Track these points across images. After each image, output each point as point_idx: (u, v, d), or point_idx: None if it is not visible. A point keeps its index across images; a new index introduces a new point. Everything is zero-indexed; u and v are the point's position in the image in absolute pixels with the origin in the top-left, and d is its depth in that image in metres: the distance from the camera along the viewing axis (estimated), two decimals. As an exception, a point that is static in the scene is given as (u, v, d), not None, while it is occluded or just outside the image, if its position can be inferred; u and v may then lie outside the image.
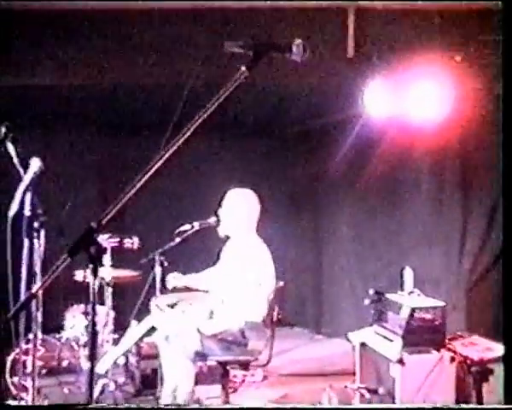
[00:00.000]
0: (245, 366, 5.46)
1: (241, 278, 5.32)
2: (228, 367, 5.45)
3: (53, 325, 5.98)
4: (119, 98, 7.33)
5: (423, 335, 5.05)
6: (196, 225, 5.74)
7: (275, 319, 5.40)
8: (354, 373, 5.71)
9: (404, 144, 7.49)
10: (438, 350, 5.01)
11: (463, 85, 6.62)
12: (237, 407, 5.65)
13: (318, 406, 5.13)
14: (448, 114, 6.61)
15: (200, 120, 2.34)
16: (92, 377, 2.42)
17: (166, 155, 2.34)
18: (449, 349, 5.10)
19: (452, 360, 4.98)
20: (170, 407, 5.33)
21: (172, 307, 5.61)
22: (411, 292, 5.47)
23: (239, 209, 5.57)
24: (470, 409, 4.54)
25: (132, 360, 6.26)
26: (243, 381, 6.57)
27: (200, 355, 5.28)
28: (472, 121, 7.02)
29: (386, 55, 6.57)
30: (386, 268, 7.56)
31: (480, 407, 4.70)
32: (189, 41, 6.43)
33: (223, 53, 2.50)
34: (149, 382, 6.25)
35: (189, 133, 2.34)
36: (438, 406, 4.75)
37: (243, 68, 2.35)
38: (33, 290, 2.75)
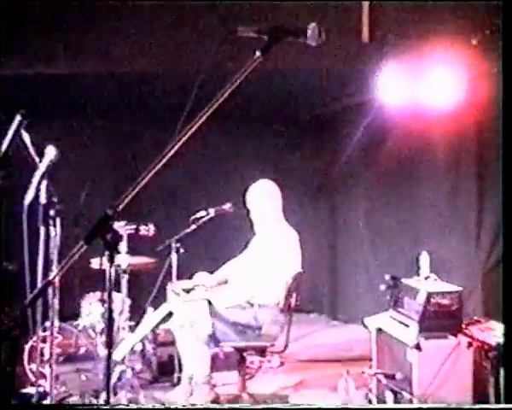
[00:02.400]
0: (261, 352, 5.48)
1: (263, 262, 5.35)
2: (244, 354, 5.46)
3: (70, 312, 5.99)
4: (134, 87, 7.33)
5: (440, 320, 5.02)
6: (212, 211, 5.76)
7: (292, 305, 5.40)
8: (371, 359, 5.70)
9: (419, 130, 7.45)
10: (455, 336, 4.99)
11: (480, 69, 6.57)
12: (238, 406, 5.66)
13: (319, 406, 5.12)
14: (464, 99, 6.57)
15: (214, 106, 2.34)
16: (109, 364, 2.43)
17: (181, 141, 2.34)
18: (466, 335, 5.08)
19: (469, 345, 4.96)
20: (170, 406, 5.37)
21: (188, 292, 5.63)
22: (428, 277, 5.45)
23: (265, 200, 5.64)
24: (470, 409, 4.53)
25: (149, 346, 6.28)
26: (260, 367, 6.58)
27: (214, 340, 5.31)
28: (488, 106, 6.97)
29: (401, 40, 6.54)
30: (402, 254, 7.54)
31: (480, 406, 4.68)
32: (204, 27, 6.42)
33: (237, 38, 2.49)
34: (166, 368, 6.28)
35: (203, 119, 2.34)
36: (438, 406, 4.75)
37: (258, 53, 2.34)
38: (50, 278, 2.75)
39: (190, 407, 5.35)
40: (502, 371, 4.82)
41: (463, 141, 7.42)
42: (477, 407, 4.55)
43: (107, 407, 4.68)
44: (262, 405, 5.35)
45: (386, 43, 6.51)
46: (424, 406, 4.75)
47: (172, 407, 5.40)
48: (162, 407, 5.24)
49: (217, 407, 5.48)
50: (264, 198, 5.66)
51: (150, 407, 5.25)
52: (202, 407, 5.32)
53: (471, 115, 7.10)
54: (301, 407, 4.95)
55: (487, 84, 6.78)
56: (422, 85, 6.51)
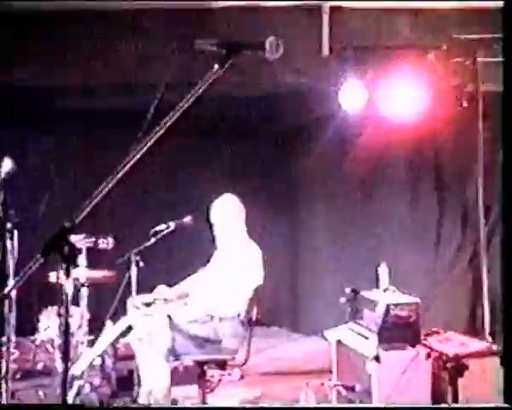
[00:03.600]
0: (222, 365, 5.45)
1: (223, 275, 5.34)
2: (205, 367, 5.44)
3: (27, 327, 5.92)
4: (95, 97, 7.29)
5: (399, 331, 5.07)
6: (172, 224, 5.73)
7: (253, 318, 5.40)
8: (331, 371, 5.72)
9: (379, 142, 7.53)
10: (413, 346, 5.03)
11: (437, 83, 6.66)
12: (238, 406, 5.66)
13: (319, 405, 5.13)
14: (423, 112, 6.65)
15: (172, 119, 2.34)
16: (66, 378, 2.40)
17: (139, 154, 2.33)
18: (424, 345, 5.13)
19: (428, 356, 5.01)
20: (171, 406, 5.33)
21: (148, 305, 5.59)
22: (387, 289, 5.50)
23: (228, 216, 5.64)
24: (471, 409, 4.57)
25: (108, 361, 6.22)
26: (220, 380, 6.55)
27: (174, 353, 5.28)
28: (446, 119, 7.07)
29: (361, 53, 6.60)
30: (362, 266, 7.58)
31: (480, 406, 4.73)
32: (163, 40, 6.42)
33: (196, 52, 2.49)
34: (125, 383, 6.22)
35: (162, 131, 2.34)
36: (438, 406, 4.79)
37: (216, 67, 2.34)
38: (5, 291, 2.72)
39: (190, 407, 5.33)
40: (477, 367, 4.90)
41: (422, 153, 7.53)
42: (477, 406, 4.59)
43: (108, 408, 4.63)
44: (262, 405, 5.34)
45: (346, 56, 6.57)
46: (422, 406, 4.79)
47: (172, 407, 5.38)
48: (162, 407, 5.21)
49: (217, 407, 5.46)
50: (228, 213, 5.66)
51: (151, 407, 5.23)
52: (202, 406, 5.30)
53: (429, 128, 7.21)
54: (301, 406, 4.96)
55: (445, 97, 6.88)
56: (383, 98, 6.59)
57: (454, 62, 6.64)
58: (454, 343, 5.31)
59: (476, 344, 5.33)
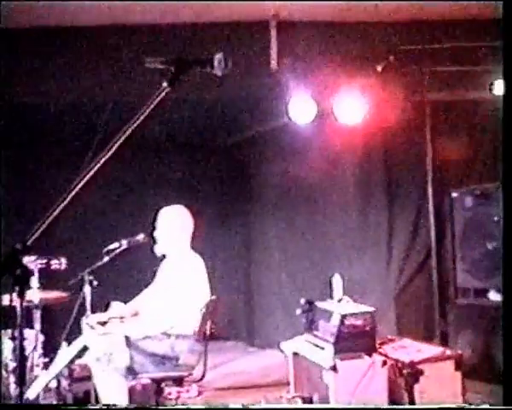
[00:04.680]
0: (179, 381, 5.43)
1: (174, 292, 5.31)
2: (162, 384, 5.41)
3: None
4: (41, 115, 7.22)
5: (354, 341, 5.10)
6: (124, 242, 5.69)
7: (208, 333, 5.38)
8: (289, 383, 5.73)
9: (329, 153, 7.60)
10: (369, 355, 5.07)
11: (385, 94, 6.76)
12: (238, 406, 5.61)
13: (319, 405, 5.12)
14: (372, 123, 6.74)
15: (123, 136, 2.34)
16: (21, 402, 2.37)
17: (91, 173, 2.33)
18: (380, 353, 5.17)
19: (384, 363, 5.05)
20: (172, 406, 5.28)
21: (103, 324, 5.54)
22: (341, 299, 5.53)
23: (173, 227, 5.60)
24: (471, 409, 4.60)
25: (64, 383, 6.14)
26: (178, 397, 6.52)
27: (132, 372, 5.24)
28: (395, 129, 7.17)
29: (310, 66, 6.66)
30: (316, 277, 7.63)
31: (480, 407, 4.77)
32: (113, 57, 6.40)
33: (146, 69, 2.50)
34: (82, 405, 6.15)
35: (112, 150, 2.33)
36: (438, 406, 4.82)
37: (165, 84, 2.35)
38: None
39: (190, 406, 5.28)
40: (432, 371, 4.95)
41: (372, 163, 7.62)
42: (476, 407, 4.62)
43: (108, 408, 4.56)
44: (262, 405, 5.31)
45: (295, 69, 6.62)
46: (425, 406, 4.81)
47: (172, 407, 5.31)
48: (162, 407, 5.16)
49: (217, 407, 5.42)
50: (172, 224, 5.62)
51: (150, 407, 5.17)
52: (202, 407, 5.25)
53: (379, 138, 7.30)
54: (301, 407, 4.95)
55: (393, 108, 6.98)
56: (331, 109, 6.65)
57: (401, 73, 6.74)
58: (409, 350, 5.37)
59: (431, 350, 5.40)
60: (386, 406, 4.95)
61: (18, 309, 2.28)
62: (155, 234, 5.64)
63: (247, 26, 6.69)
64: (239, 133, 9.09)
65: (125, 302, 5.90)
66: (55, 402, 5.90)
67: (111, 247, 5.71)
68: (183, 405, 5.44)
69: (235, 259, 9.88)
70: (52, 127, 7.77)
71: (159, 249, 5.66)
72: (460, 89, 7.08)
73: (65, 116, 7.35)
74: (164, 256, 5.74)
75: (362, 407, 4.99)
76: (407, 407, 4.91)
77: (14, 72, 6.32)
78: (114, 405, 5.20)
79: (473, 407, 4.81)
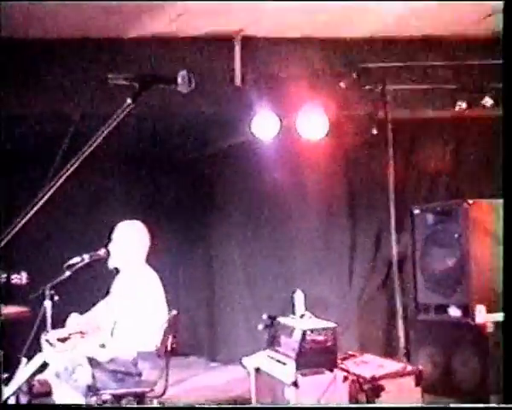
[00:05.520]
0: (140, 397, 5.40)
1: (131, 308, 5.28)
2: (123, 401, 5.37)
3: None
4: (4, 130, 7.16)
5: (316, 356, 5.12)
6: (86, 257, 5.65)
7: (169, 348, 5.36)
8: (251, 399, 5.72)
9: (292, 170, 7.64)
10: (331, 370, 5.09)
11: (348, 111, 6.83)
12: (238, 406, 5.58)
13: (320, 405, 5.11)
14: (334, 139, 6.80)
15: (86, 153, 2.33)
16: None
17: (53, 188, 2.32)
18: (342, 369, 5.19)
19: (345, 379, 5.08)
20: (174, 406, 5.22)
21: (63, 341, 5.49)
22: (303, 315, 5.55)
23: (128, 242, 5.57)
24: (470, 408, 4.62)
25: (23, 399, 6.07)
26: (139, 413, 6.47)
27: (93, 389, 5.19)
28: (357, 145, 7.24)
29: (273, 82, 6.70)
30: (279, 292, 7.64)
31: (480, 406, 4.79)
32: (76, 73, 6.38)
33: (109, 85, 2.50)
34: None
35: (75, 165, 2.33)
36: (438, 406, 4.83)
37: (128, 100, 2.36)
38: None
39: (190, 407, 5.23)
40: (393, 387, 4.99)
41: (335, 179, 7.67)
42: (478, 406, 4.63)
43: (108, 408, 4.49)
44: (262, 405, 5.28)
45: (259, 85, 6.66)
46: (425, 406, 4.81)
47: (172, 407, 5.26)
48: (162, 407, 5.10)
49: (217, 407, 5.37)
50: (127, 238, 5.60)
51: (150, 407, 5.11)
52: (202, 407, 5.20)
53: (341, 155, 7.36)
54: (301, 406, 4.93)
55: (355, 125, 7.05)
56: (295, 125, 6.69)
57: (364, 90, 6.81)
58: (370, 366, 5.41)
59: (392, 365, 5.44)
60: (386, 405, 4.97)
61: (-23, 325, 2.26)
62: (110, 247, 5.61)
63: (212, 42, 6.72)
64: (202, 149, 9.09)
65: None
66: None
67: (72, 261, 5.66)
68: (184, 404, 5.40)
69: (197, 274, 9.85)
70: (15, 141, 7.70)
71: (112, 263, 5.63)
72: (422, 107, 7.18)
73: (28, 130, 7.29)
74: (117, 270, 5.71)
75: (361, 406, 5.01)
76: (408, 406, 4.93)
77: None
78: (115, 404, 5.16)
79: (474, 406, 4.85)
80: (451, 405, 5.00)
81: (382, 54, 6.91)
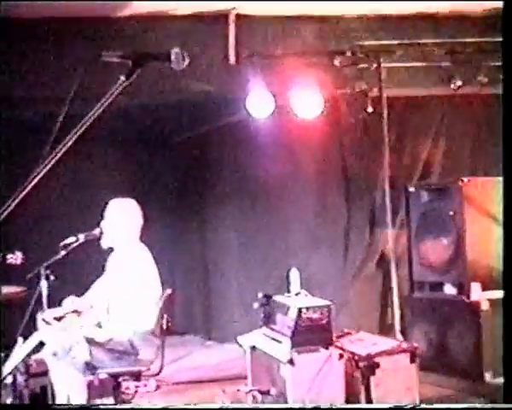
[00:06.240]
0: (137, 376, 5.42)
1: (126, 287, 5.28)
2: (119, 379, 5.39)
3: None
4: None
5: (311, 334, 5.14)
6: (81, 237, 5.65)
7: (164, 327, 5.38)
8: (246, 377, 5.75)
9: (287, 148, 7.63)
10: (326, 348, 5.11)
11: (342, 88, 6.81)
12: (237, 406, 5.59)
13: (318, 406, 5.13)
14: (328, 117, 6.79)
15: (80, 131, 2.33)
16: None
17: (47, 167, 2.31)
18: (337, 347, 5.21)
19: (341, 356, 5.10)
20: (170, 407, 5.24)
21: (60, 319, 5.50)
22: (298, 293, 5.56)
23: (120, 220, 5.54)
24: (468, 409, 4.64)
25: (20, 378, 6.08)
26: (136, 392, 6.49)
27: (90, 367, 5.20)
28: (352, 123, 7.24)
29: (267, 60, 6.68)
30: (274, 271, 7.65)
31: (479, 406, 4.81)
32: (68, 51, 6.35)
33: (102, 63, 2.49)
34: (39, 400, 6.10)
35: (69, 144, 2.32)
36: (440, 406, 4.86)
37: (122, 78, 2.35)
38: None
39: (190, 406, 5.24)
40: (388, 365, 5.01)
41: (330, 158, 7.67)
42: (474, 406, 4.65)
43: (108, 407, 4.50)
44: (262, 405, 5.30)
45: (253, 63, 6.64)
46: (424, 405, 4.83)
47: (172, 407, 5.27)
48: (162, 407, 5.12)
49: (217, 407, 5.39)
50: (119, 216, 5.58)
51: (150, 407, 5.12)
52: (201, 406, 5.22)
53: (336, 133, 7.35)
54: (299, 406, 4.95)
55: (350, 103, 7.04)
56: (289, 103, 6.68)
57: (359, 68, 6.79)
58: (366, 343, 5.43)
59: (387, 343, 5.47)
60: (386, 405, 4.99)
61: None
62: (102, 225, 5.59)
63: (206, 20, 6.68)
64: (196, 127, 9.08)
65: (79, 296, 5.86)
66: (11, 399, 5.85)
67: (68, 241, 5.66)
68: (184, 404, 5.43)
69: (192, 253, 9.87)
70: (8, 121, 7.67)
71: (105, 242, 5.61)
72: (417, 85, 7.16)
73: (22, 109, 7.26)
74: (111, 249, 5.70)
75: (362, 406, 5.05)
76: (408, 406, 4.95)
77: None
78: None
79: (472, 406, 4.87)
80: (450, 405, 5.02)
81: (377, 31, 6.89)
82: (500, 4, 4.02)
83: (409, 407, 4.72)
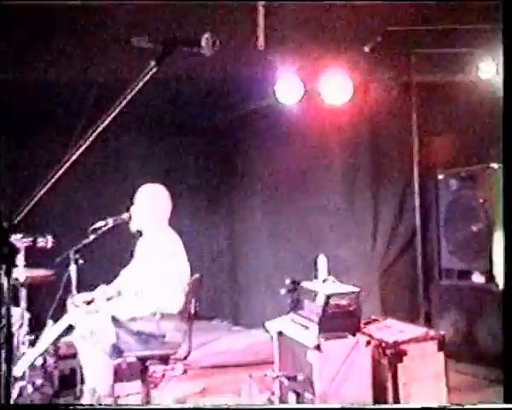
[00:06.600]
0: (164, 360, 5.46)
1: (154, 270, 5.31)
2: (147, 363, 5.43)
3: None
4: (30, 93, 7.18)
5: (339, 320, 5.13)
6: (110, 221, 5.69)
7: (192, 311, 5.41)
8: (273, 362, 5.76)
9: (316, 134, 7.61)
10: (353, 335, 5.10)
11: (372, 74, 6.78)
12: (237, 406, 5.64)
13: (321, 405, 5.15)
14: (358, 103, 6.75)
15: (111, 116, 2.34)
16: (9, 380, 2.38)
17: (78, 152, 2.33)
18: (364, 333, 5.21)
19: (368, 343, 5.09)
20: (174, 406, 5.30)
21: (89, 303, 5.55)
22: (326, 279, 5.56)
23: (149, 204, 5.59)
24: (472, 409, 4.64)
25: (50, 360, 6.16)
26: (163, 375, 6.55)
27: (117, 350, 5.25)
28: (381, 109, 7.19)
29: (297, 46, 6.66)
30: (301, 257, 7.65)
31: (480, 406, 4.81)
32: (100, 37, 6.37)
33: (133, 48, 2.50)
34: (68, 382, 6.17)
35: (99, 129, 2.34)
36: (442, 406, 4.86)
37: (152, 63, 2.36)
38: None
39: (190, 406, 5.30)
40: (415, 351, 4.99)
41: (359, 144, 7.64)
42: (478, 406, 4.65)
43: (108, 407, 4.57)
44: (261, 405, 5.33)
45: (282, 49, 6.62)
46: (426, 406, 4.84)
47: (172, 407, 5.33)
48: (163, 407, 5.17)
49: (216, 407, 5.43)
50: (148, 201, 5.62)
51: (150, 407, 5.18)
52: (201, 407, 5.27)
53: (365, 119, 7.32)
54: (300, 406, 4.98)
55: (379, 89, 6.99)
56: (318, 89, 6.66)
57: (388, 54, 6.75)
58: (393, 330, 5.41)
59: (414, 330, 5.44)
60: (386, 406, 4.99)
61: (5, 287, 2.29)
62: (131, 210, 5.63)
63: (235, 5, 6.67)
64: (225, 113, 9.08)
65: (110, 282, 5.91)
66: (41, 380, 5.93)
67: (97, 225, 5.71)
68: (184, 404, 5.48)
69: (220, 238, 9.90)
70: (38, 106, 7.73)
71: (134, 225, 5.66)
72: (447, 71, 7.10)
73: (53, 95, 7.31)
74: (140, 234, 5.74)
75: (365, 407, 5.05)
76: (409, 406, 4.95)
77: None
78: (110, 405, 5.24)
79: (474, 406, 4.85)
80: (451, 406, 4.99)
81: (408, 17, 6.83)
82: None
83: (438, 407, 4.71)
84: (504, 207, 3.84)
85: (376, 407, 5.03)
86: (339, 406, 4.87)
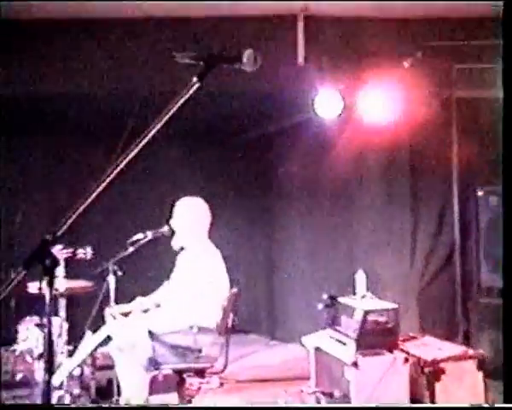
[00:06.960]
0: (201, 373, 5.46)
1: (193, 285, 5.33)
2: (184, 375, 5.44)
3: (5, 338, 5.89)
4: (72, 106, 7.27)
5: (377, 337, 5.11)
6: (149, 234, 5.73)
7: (229, 325, 5.41)
8: (309, 378, 5.74)
9: (355, 149, 7.58)
10: (391, 352, 5.08)
11: (412, 90, 6.74)
12: (236, 406, 5.64)
13: (320, 405, 5.14)
14: (397, 118, 6.72)
15: (153, 130, 2.36)
16: (49, 389, 2.40)
17: (120, 166, 2.35)
18: (402, 350, 5.17)
19: (406, 360, 5.05)
20: (174, 406, 5.31)
21: (126, 315, 5.59)
22: (364, 296, 5.54)
23: (189, 218, 5.60)
24: (471, 409, 4.60)
25: (87, 371, 6.21)
26: (199, 388, 6.55)
27: (154, 363, 5.27)
28: (421, 125, 7.15)
29: (337, 61, 6.66)
30: (339, 272, 7.63)
31: (481, 406, 4.77)
32: (142, 51, 6.44)
33: (175, 63, 2.52)
34: (105, 393, 6.21)
35: (142, 143, 2.36)
36: (445, 406, 4.82)
37: (195, 79, 2.37)
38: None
39: (190, 406, 5.32)
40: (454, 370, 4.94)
41: (398, 159, 7.59)
42: (474, 406, 4.62)
43: (108, 407, 4.60)
44: (261, 405, 5.34)
45: (322, 64, 6.62)
46: (428, 406, 4.81)
47: (173, 407, 5.36)
48: (162, 407, 5.19)
49: (215, 407, 5.45)
50: (187, 215, 5.63)
51: (150, 407, 5.21)
52: (200, 407, 5.28)
53: (404, 134, 7.27)
54: (301, 406, 4.97)
55: (420, 103, 6.95)
56: (358, 105, 6.65)
57: (428, 69, 6.72)
58: (431, 348, 5.37)
59: (453, 348, 5.40)
60: (408, 405, 4.95)
61: (47, 298, 2.32)
62: (171, 222, 5.65)
63: (275, 21, 6.70)
64: (264, 126, 9.10)
65: (148, 294, 5.94)
66: (78, 390, 5.97)
67: (136, 238, 5.75)
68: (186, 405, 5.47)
69: (257, 253, 9.90)
70: (80, 120, 7.83)
71: (176, 243, 5.68)
72: (488, 86, 7.04)
73: (94, 108, 7.40)
74: (181, 248, 5.76)
75: (368, 406, 5.00)
76: (412, 406, 4.90)
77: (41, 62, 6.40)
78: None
79: (474, 406, 4.80)
80: (450, 405, 4.93)
81: (447, 32, 6.80)
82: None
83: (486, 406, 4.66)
84: (505, 211, 3.79)
85: (395, 406, 4.98)
86: (339, 406, 4.84)
